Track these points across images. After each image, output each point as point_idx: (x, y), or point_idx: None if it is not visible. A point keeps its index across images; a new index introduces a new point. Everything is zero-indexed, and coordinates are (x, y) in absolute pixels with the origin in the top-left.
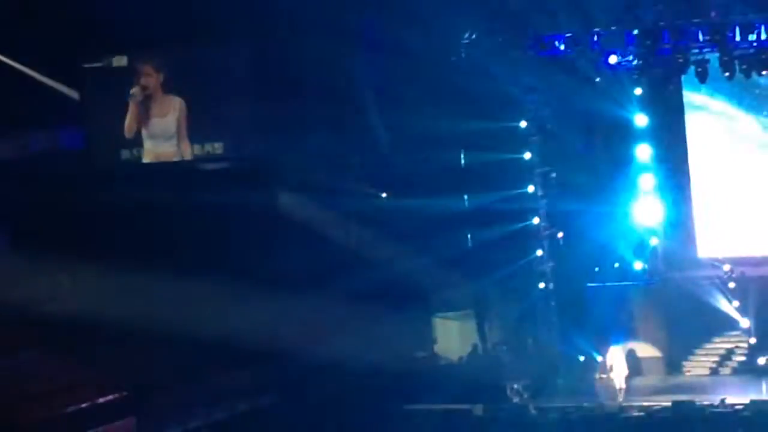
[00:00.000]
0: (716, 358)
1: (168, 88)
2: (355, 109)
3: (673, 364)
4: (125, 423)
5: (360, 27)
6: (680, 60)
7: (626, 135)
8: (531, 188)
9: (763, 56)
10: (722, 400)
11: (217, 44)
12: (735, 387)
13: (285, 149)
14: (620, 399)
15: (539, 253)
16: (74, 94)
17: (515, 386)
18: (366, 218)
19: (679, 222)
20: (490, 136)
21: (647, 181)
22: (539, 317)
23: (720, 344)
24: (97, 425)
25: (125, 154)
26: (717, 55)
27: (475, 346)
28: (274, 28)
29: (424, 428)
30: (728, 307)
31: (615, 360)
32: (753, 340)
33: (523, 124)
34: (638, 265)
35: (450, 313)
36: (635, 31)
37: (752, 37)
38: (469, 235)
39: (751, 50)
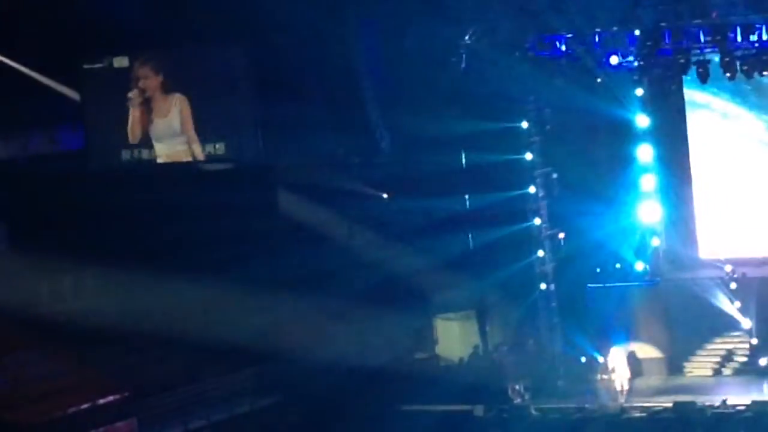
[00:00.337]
0: (718, 359)
1: (168, 89)
2: (356, 110)
3: (674, 364)
4: (127, 424)
5: (360, 28)
6: (681, 61)
7: (627, 136)
8: (532, 189)
9: (764, 57)
10: (724, 401)
11: (217, 45)
12: (736, 388)
13: (286, 150)
14: (621, 400)
15: (540, 253)
16: (74, 95)
17: (516, 387)
18: (367, 219)
19: (681, 223)
20: (491, 136)
21: (648, 182)
22: (540, 318)
23: (721, 345)
24: (98, 426)
25: (126, 154)
26: (718, 55)
27: (476, 347)
28: (274, 30)
29: (425, 429)
30: (730, 307)
31: (616, 361)
32: (754, 341)
33: (524, 124)
34: (639, 266)
35: (451, 314)
36: (636, 32)
37: (753, 37)
38: (470, 236)
39: (753, 51)
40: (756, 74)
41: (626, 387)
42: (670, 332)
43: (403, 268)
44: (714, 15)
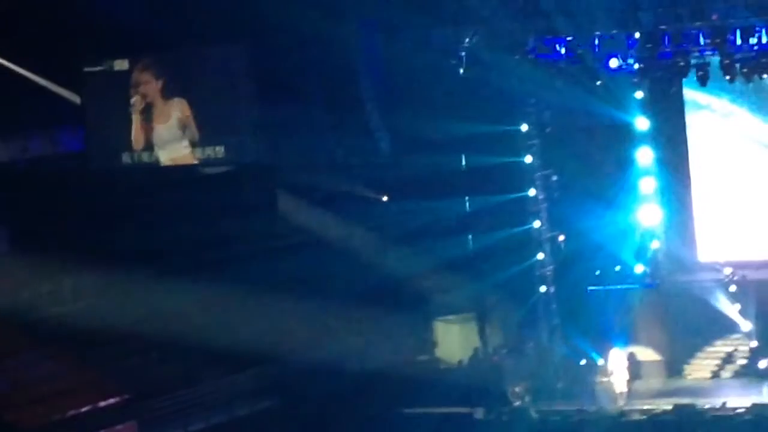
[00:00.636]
0: (717, 362)
1: (168, 93)
2: (355, 111)
3: (674, 367)
4: (127, 426)
5: (360, 29)
6: (681, 63)
7: (627, 138)
8: (532, 191)
9: (764, 59)
10: (723, 404)
11: (217, 46)
12: (736, 390)
13: (286, 151)
14: (621, 402)
15: (540, 256)
16: (75, 98)
17: (516, 389)
18: (367, 221)
19: (680, 225)
20: (491, 138)
21: (648, 185)
22: (540, 321)
23: (721, 347)
24: (98, 428)
25: (126, 158)
26: (718, 58)
27: (476, 350)
28: (274, 31)
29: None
30: (729, 310)
31: (616, 363)
32: (754, 344)
33: (524, 127)
34: (639, 269)
35: (451, 317)
36: (636, 35)
37: (753, 40)
38: (469, 238)
39: (752, 53)
40: (756, 77)
41: (626, 389)
42: (669, 335)
43: (402, 270)
44: (714, 18)
